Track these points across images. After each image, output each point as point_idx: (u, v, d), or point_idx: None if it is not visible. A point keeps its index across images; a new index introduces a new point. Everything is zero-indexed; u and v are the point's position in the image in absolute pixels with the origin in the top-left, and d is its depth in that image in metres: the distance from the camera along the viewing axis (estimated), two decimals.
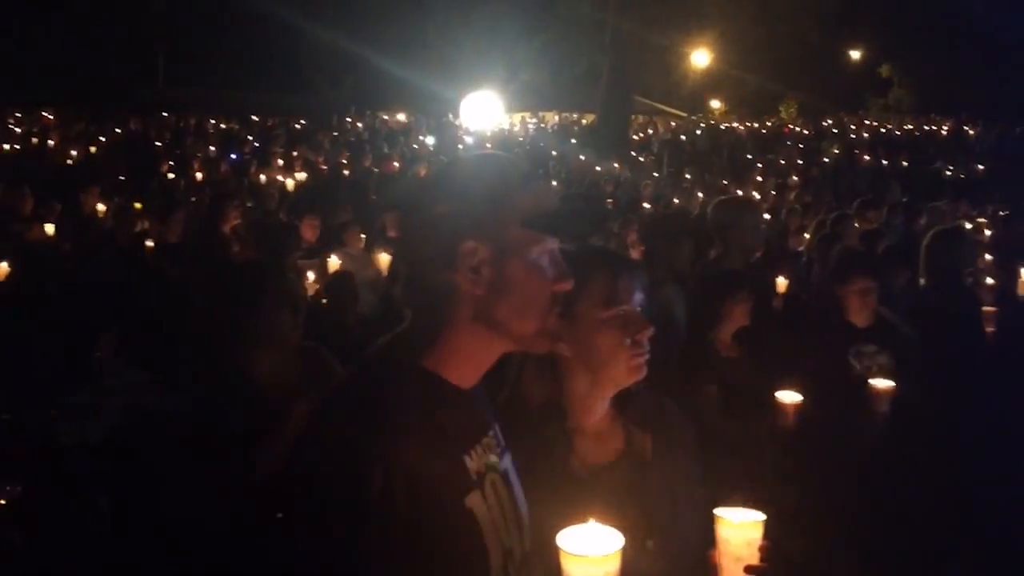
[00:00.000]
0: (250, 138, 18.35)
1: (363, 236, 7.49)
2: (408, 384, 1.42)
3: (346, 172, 13.73)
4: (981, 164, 19.71)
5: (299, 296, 3.10)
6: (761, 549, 1.65)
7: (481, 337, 1.47)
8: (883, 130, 27.16)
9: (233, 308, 2.87)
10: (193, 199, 9.97)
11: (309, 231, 7.50)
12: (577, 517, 1.53)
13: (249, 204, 9.43)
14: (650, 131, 26.93)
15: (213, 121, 21.65)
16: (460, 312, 1.45)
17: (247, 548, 2.37)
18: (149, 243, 7.12)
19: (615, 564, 1.45)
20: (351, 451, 1.33)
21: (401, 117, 25.37)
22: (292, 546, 1.36)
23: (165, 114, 22.21)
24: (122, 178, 11.89)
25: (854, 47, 34.59)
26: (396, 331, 1.51)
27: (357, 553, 1.31)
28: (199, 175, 12.72)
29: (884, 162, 19.68)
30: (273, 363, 2.87)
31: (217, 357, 2.93)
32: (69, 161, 13.85)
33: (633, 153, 21.31)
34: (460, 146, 19.02)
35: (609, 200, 12.41)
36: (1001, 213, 11.18)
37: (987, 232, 9.72)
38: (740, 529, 1.65)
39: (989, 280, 6.49)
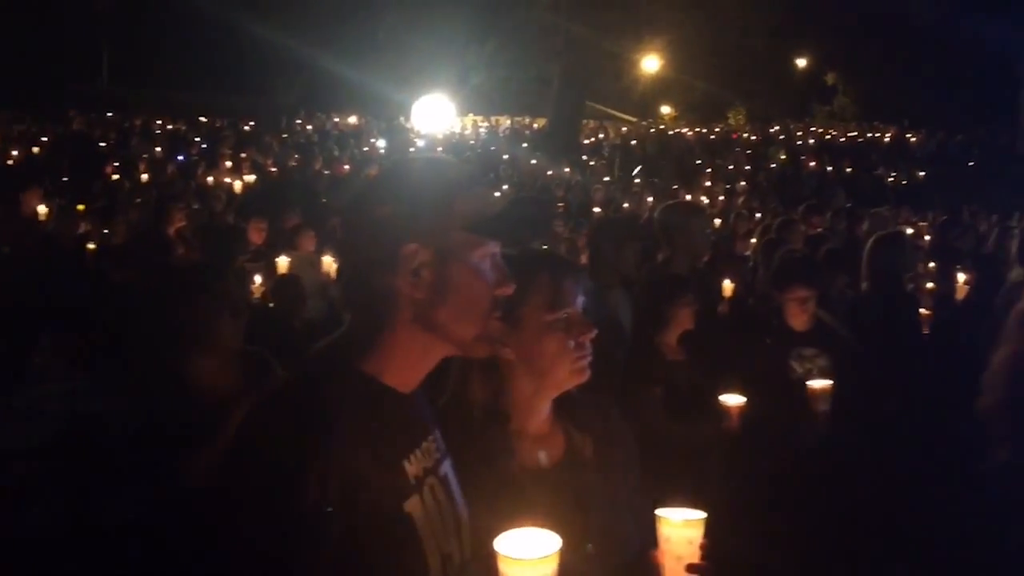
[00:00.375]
0: (197, 139, 18.10)
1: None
2: (346, 388, 1.41)
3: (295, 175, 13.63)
4: (922, 171, 20.19)
5: (240, 299, 3.06)
6: (702, 547, 1.67)
7: (421, 341, 1.47)
8: (828, 137, 27.69)
9: (172, 311, 2.83)
10: (138, 200, 9.81)
11: (256, 234, 7.43)
12: (518, 520, 1.53)
13: (195, 206, 9.30)
14: (601, 136, 27.14)
15: (160, 122, 21.32)
16: (400, 315, 1.44)
17: (187, 554, 2.34)
18: (91, 245, 7.00)
19: (552, 566, 1.46)
20: (285, 458, 1.30)
21: (352, 120, 25.22)
22: (228, 554, 1.34)
23: (110, 114, 21.82)
24: (65, 179, 11.65)
25: (800, 55, 35.17)
26: (335, 334, 1.50)
27: (292, 562, 1.29)
28: (144, 176, 12.52)
29: (829, 168, 20.05)
30: (214, 367, 2.84)
31: (157, 361, 2.89)
32: (10, 161, 13.54)
33: (584, 157, 21.45)
34: (411, 149, 18.95)
35: (560, 204, 12.46)
36: (943, 218, 11.46)
37: (927, 237, 9.94)
38: (681, 528, 1.68)
39: (929, 284, 6.64)
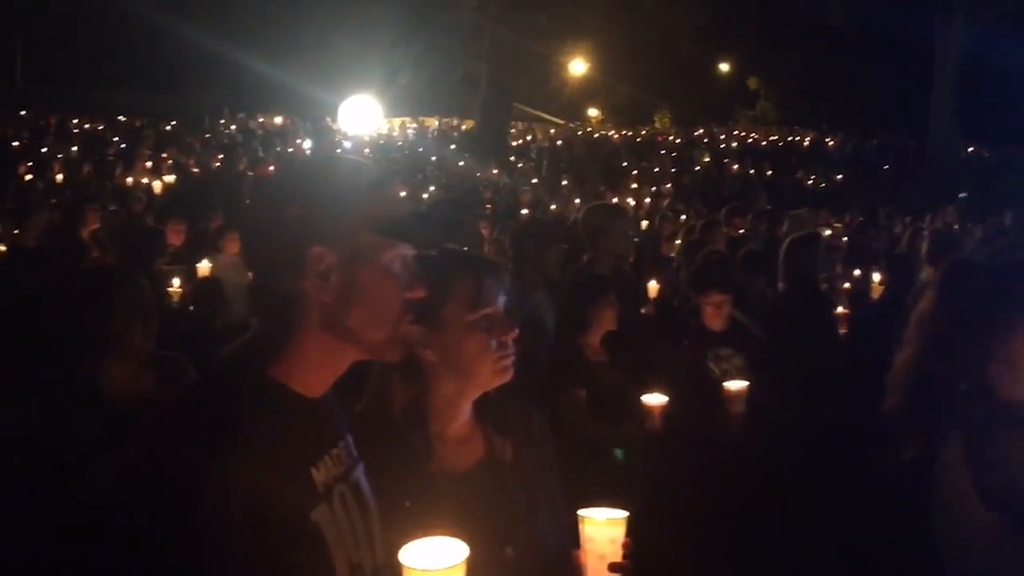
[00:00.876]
0: (116, 139, 17.61)
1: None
2: (252, 395, 1.37)
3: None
4: (840, 175, 20.77)
5: (152, 303, 2.96)
6: (624, 546, 1.68)
7: (330, 345, 1.43)
8: (750, 140, 28.28)
9: (81, 315, 2.74)
10: (53, 201, 9.50)
11: (174, 236, 7.25)
12: (436, 525, 1.52)
13: (112, 207, 9.05)
14: (529, 138, 27.25)
15: (76, 121, 20.69)
16: (308, 320, 1.41)
17: (96, 564, 2.27)
18: (1, 247, 6.75)
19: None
20: (186, 470, 1.27)
21: (278, 120, 24.84)
22: (133, 565, 1.30)
23: (23, 112, 21.11)
24: None
25: (723, 60, 35.83)
26: (242, 339, 1.47)
27: (196, 573, 1.26)
28: (59, 177, 12.14)
29: (751, 171, 20.50)
30: (126, 372, 2.75)
31: (65, 367, 2.79)
32: None
33: (512, 159, 21.52)
34: (339, 150, 18.75)
35: (488, 206, 12.45)
36: (860, 220, 11.81)
37: (844, 239, 10.21)
38: (603, 527, 1.68)
39: (846, 284, 6.83)
